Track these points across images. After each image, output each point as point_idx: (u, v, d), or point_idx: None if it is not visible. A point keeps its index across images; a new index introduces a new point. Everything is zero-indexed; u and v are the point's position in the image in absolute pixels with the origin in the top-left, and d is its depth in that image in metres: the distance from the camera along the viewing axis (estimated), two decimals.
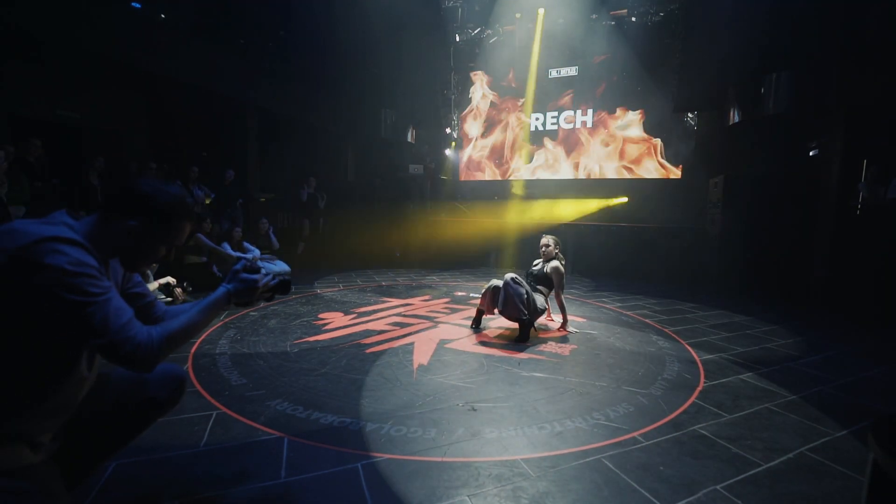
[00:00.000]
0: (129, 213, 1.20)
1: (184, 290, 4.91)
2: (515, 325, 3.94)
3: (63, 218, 1.14)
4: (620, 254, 7.98)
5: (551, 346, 3.68)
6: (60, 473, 1.23)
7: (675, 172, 9.40)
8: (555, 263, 4.14)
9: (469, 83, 11.30)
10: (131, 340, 1.10)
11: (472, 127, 11.47)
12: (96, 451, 1.42)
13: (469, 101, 11.36)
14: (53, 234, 1.05)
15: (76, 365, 1.17)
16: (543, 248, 4.23)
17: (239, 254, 6.22)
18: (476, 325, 4.15)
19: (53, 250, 1.03)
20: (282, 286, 1.46)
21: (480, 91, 11.21)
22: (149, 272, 4.51)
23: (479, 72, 11.10)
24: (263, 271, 1.42)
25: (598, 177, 10.15)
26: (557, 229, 8.19)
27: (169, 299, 4.64)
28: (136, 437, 1.48)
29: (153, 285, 4.57)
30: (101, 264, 1.13)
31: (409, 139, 10.91)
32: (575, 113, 10.44)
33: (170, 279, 4.74)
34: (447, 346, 3.62)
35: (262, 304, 6.32)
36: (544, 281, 4.13)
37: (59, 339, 1.11)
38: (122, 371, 1.40)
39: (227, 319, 4.25)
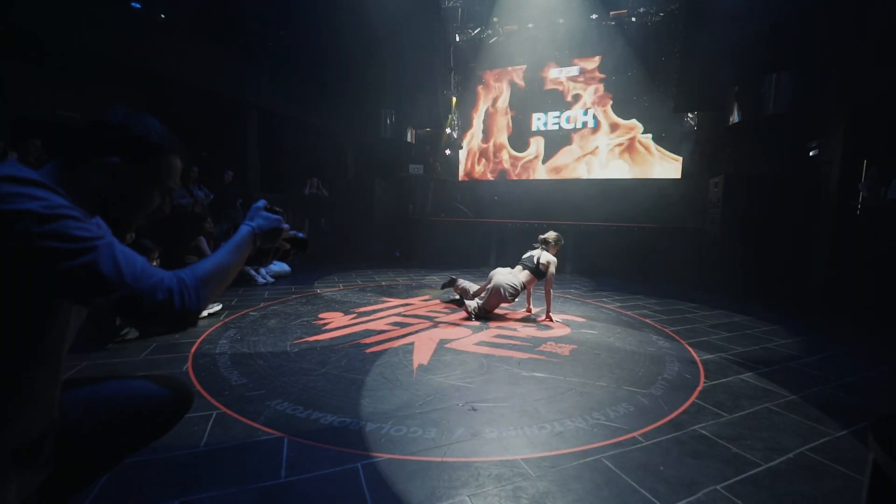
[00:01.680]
0: (107, 149, 0.96)
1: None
2: (515, 323, 4.21)
3: (15, 164, 0.86)
4: (620, 253, 7.98)
5: (551, 346, 3.68)
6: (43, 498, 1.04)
7: (675, 159, 9.32)
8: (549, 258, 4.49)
9: (470, 83, 11.28)
10: (160, 287, 0.86)
11: (477, 127, 11.48)
12: (88, 474, 1.23)
13: (475, 99, 11.34)
14: (3, 173, 0.79)
15: (63, 340, 0.99)
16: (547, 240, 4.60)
17: None
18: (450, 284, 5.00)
19: (11, 194, 0.77)
20: (300, 241, 1.35)
21: (507, 90, 11.13)
22: None
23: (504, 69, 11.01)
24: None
25: (599, 177, 10.14)
26: (559, 228, 8.21)
27: (202, 315, 4.37)
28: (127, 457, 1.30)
29: None
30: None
31: (409, 139, 10.91)
32: (576, 113, 10.44)
33: None
34: (447, 345, 3.62)
35: (269, 271, 6.29)
36: (536, 272, 4.47)
37: (48, 307, 0.90)
38: (117, 386, 1.22)
39: (227, 320, 4.25)
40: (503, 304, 4.61)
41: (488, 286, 4.50)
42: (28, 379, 0.93)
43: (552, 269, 4.42)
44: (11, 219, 0.76)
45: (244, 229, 1.16)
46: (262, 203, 1.24)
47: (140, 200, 1.04)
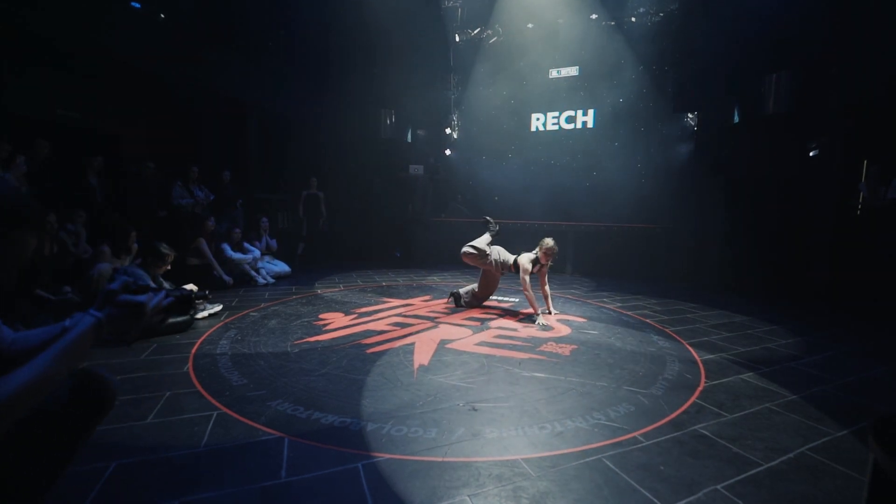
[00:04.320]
0: None
1: (205, 297, 4.14)
2: (516, 323, 4.29)
3: None
4: (621, 254, 7.98)
5: (551, 346, 3.68)
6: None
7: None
8: (521, 256, 4.70)
9: (470, 83, 11.27)
10: None
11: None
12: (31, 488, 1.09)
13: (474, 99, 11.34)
14: None
15: None
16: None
17: (239, 255, 6.21)
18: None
19: None
20: (180, 304, 1.14)
21: None
22: (160, 279, 4.25)
23: None
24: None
25: (599, 177, 10.13)
26: (559, 228, 8.21)
27: (203, 315, 4.24)
28: (79, 447, 1.19)
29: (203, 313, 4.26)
30: None
31: (409, 139, 10.91)
32: (576, 113, 10.43)
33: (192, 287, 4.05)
34: (448, 346, 3.63)
35: (270, 272, 6.38)
36: (515, 264, 4.72)
37: None
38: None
39: (227, 320, 4.25)
40: (498, 297, 5.11)
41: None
42: None
43: (521, 273, 4.54)
44: None
45: (86, 321, 0.95)
46: (119, 283, 1.01)
47: None
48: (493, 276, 4.94)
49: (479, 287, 4.99)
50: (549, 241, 4.62)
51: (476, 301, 5.01)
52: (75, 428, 1.13)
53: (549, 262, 4.67)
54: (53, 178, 5.39)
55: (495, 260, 4.81)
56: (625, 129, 9.74)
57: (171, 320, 3.68)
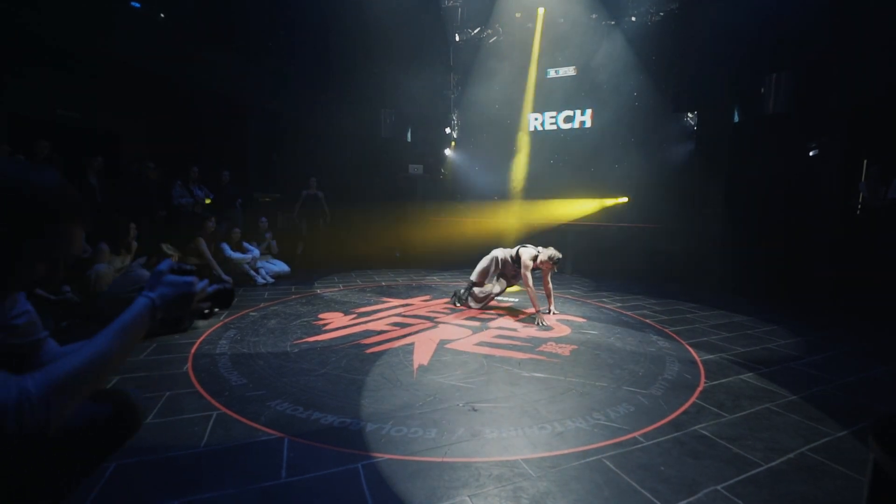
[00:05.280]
0: None
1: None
2: (516, 323, 4.28)
3: None
4: (621, 254, 7.98)
5: (551, 347, 3.68)
6: None
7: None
8: (523, 249, 4.74)
9: (469, 83, 11.27)
10: None
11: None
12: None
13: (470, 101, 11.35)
14: None
15: None
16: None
17: (239, 255, 6.21)
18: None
19: None
20: (222, 296, 1.15)
21: None
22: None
23: None
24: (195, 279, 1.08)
25: (598, 176, 10.12)
26: (559, 228, 8.22)
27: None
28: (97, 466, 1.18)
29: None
30: None
31: (409, 139, 10.91)
32: (574, 112, 10.42)
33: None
34: (447, 346, 3.62)
35: (269, 272, 6.32)
36: (516, 258, 4.76)
37: None
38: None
39: (227, 320, 4.24)
40: (498, 298, 5.13)
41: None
42: None
43: (522, 269, 4.57)
44: None
45: (141, 302, 0.96)
46: (166, 265, 1.04)
47: (23, 273, 0.89)
48: (506, 275, 4.97)
49: (498, 284, 5.00)
50: (552, 252, 4.58)
51: (476, 302, 4.99)
52: (97, 449, 1.14)
53: (554, 268, 4.65)
54: None
55: (504, 256, 4.86)
56: (624, 128, 9.73)
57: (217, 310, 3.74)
